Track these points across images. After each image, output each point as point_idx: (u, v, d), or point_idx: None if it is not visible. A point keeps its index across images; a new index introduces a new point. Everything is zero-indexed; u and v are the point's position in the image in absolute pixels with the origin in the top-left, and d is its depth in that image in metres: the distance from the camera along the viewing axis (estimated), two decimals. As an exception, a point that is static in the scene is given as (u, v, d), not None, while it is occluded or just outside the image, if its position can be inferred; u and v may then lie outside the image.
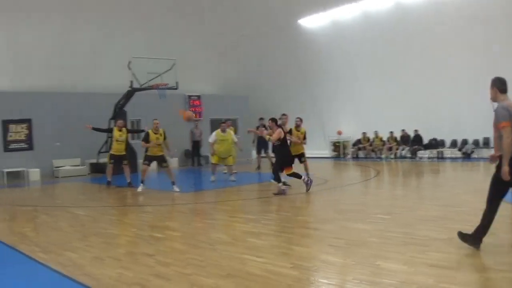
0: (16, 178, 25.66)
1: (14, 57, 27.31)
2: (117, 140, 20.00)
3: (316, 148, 33.47)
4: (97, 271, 7.50)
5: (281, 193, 15.26)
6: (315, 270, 7.29)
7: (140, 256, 8.37)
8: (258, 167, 24.71)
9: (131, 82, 24.71)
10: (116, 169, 20.73)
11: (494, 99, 7.64)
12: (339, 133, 33.03)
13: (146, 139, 18.38)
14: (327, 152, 34.17)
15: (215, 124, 30.38)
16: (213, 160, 20.37)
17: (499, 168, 7.40)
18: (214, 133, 20.35)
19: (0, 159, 26.09)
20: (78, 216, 13.36)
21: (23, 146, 26.59)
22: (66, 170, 27.07)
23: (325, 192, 16.12)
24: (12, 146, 26.51)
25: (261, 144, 24.41)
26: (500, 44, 24.44)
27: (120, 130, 20.02)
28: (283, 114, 18.30)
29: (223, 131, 19.71)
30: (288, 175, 16.03)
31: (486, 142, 26.78)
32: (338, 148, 33.70)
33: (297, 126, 18.63)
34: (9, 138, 26.52)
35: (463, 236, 8.01)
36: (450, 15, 26.16)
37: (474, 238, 7.82)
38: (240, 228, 10.54)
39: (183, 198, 16.02)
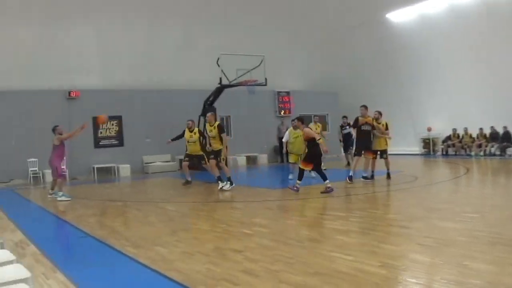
0: (106, 174, 26.17)
1: (104, 56, 27.83)
2: (188, 141, 20.26)
3: (406, 145, 33.13)
4: (186, 266, 7.58)
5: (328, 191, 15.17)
6: (403, 269, 7.18)
7: (228, 252, 8.40)
8: (348, 164, 24.48)
9: (220, 78, 24.82)
10: (197, 167, 20.97)
11: None
12: (429, 129, 32.50)
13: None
14: (417, 149, 33.70)
15: (306, 120, 30.36)
16: (290, 159, 20.23)
17: None
18: (287, 132, 20.13)
19: (90, 155, 26.68)
20: (167, 211, 13.54)
21: (114, 142, 27.17)
22: (156, 166, 27.50)
23: (414, 190, 15.87)
24: (103, 142, 27.10)
25: (348, 141, 24.16)
26: None
27: (191, 131, 20.17)
28: (315, 116, 18.53)
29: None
30: (302, 168, 15.96)
31: None
32: (428, 145, 33.17)
33: (376, 119, 18.35)
34: (99, 135, 27.09)
35: None
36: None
37: None
38: (329, 226, 10.51)
39: (271, 195, 16.03)
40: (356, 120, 18.54)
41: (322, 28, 33.70)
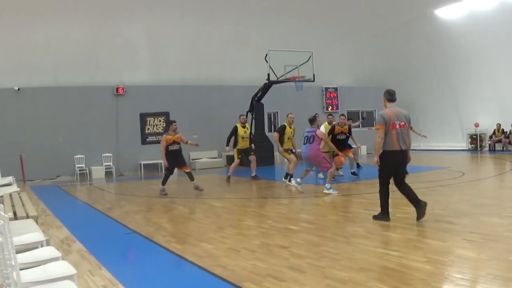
0: (152, 170, 26.36)
1: (152, 52, 28.06)
2: (242, 137, 20.28)
3: (454, 140, 32.86)
4: (232, 262, 7.62)
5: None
6: (449, 264, 7.14)
7: (274, 248, 8.45)
8: None
9: (268, 74, 24.87)
10: (244, 162, 21.05)
11: None
12: (476, 125, 32.12)
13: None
14: (464, 144, 33.30)
15: (351, 116, 30.24)
16: None
17: None
18: (322, 126, 19.90)
19: (137, 151, 26.88)
20: (214, 208, 13.59)
21: (160, 139, 27.37)
22: (203, 162, 27.62)
23: (461, 185, 15.79)
24: (150, 139, 27.25)
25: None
26: None
27: (244, 127, 20.28)
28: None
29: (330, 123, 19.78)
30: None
31: None
32: (475, 141, 32.80)
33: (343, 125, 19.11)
34: (146, 131, 27.28)
35: None
36: None
37: None
38: (375, 221, 10.45)
39: (318, 191, 15.95)
40: (333, 128, 18.87)
41: (369, 23, 33.51)
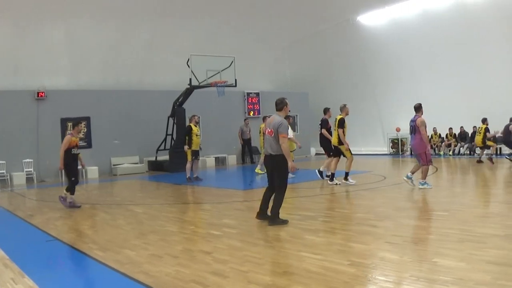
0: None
1: (72, 56, 27.55)
2: (196, 135, 20.47)
3: (375, 145, 33.41)
4: (155, 269, 7.56)
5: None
6: (372, 267, 7.24)
7: (197, 254, 8.42)
8: None
9: (190, 79, 24.80)
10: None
11: None
12: (397, 130, 32.68)
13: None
14: (386, 149, 33.89)
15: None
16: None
17: None
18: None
19: (58, 157, 26.44)
20: (136, 214, 13.47)
21: (82, 144, 26.92)
22: (124, 167, 27.31)
23: (383, 189, 16.04)
24: (71, 144, 26.80)
25: None
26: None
27: (196, 126, 20.54)
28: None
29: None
30: None
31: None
32: (397, 145, 33.40)
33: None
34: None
35: None
36: (509, 11, 25.79)
37: None
38: (298, 226, 10.48)
39: (240, 196, 16.01)
40: (327, 121, 18.67)
41: (292, 29, 33.82)
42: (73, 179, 15.16)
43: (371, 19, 32.44)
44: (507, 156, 24.22)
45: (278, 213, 10.72)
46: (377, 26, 32.25)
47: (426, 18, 29.25)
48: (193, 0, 29.00)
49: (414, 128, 15.40)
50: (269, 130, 10.80)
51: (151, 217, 12.81)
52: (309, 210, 12.74)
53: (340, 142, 17.23)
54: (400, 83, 31.80)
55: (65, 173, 16.73)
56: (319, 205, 13.39)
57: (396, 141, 33.45)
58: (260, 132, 22.17)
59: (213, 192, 17.85)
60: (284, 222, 10.65)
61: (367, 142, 34.12)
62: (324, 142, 18.70)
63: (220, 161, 31.11)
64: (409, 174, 15.98)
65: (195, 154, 20.72)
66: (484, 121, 24.20)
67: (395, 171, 23.69)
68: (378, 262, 7.45)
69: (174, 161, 25.65)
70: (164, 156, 26.98)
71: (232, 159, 31.60)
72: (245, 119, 30.36)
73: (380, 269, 7.10)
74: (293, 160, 19.68)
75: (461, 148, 29.52)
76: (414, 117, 15.54)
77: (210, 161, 30.26)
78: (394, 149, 33.61)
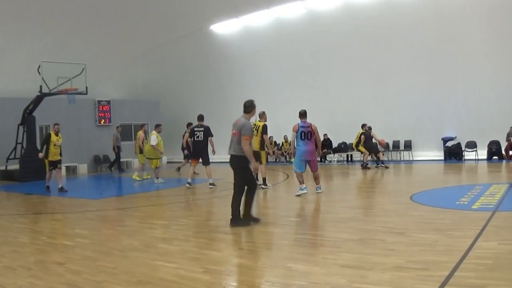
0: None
1: None
2: (54, 145, 19.72)
3: (226, 152, 33.89)
4: (8, 281, 7.41)
5: None
6: (227, 274, 7.37)
7: (50, 265, 8.28)
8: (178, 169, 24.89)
9: (41, 86, 24.38)
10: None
11: None
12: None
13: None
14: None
15: (125, 129, 30.43)
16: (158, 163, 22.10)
17: None
18: (154, 136, 21.31)
19: None
20: (-15, 225, 13.14)
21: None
22: (-27, 177, 26.48)
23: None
24: None
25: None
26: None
27: (57, 135, 19.85)
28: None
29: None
30: None
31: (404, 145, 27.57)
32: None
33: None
34: None
35: None
36: (357, 22, 27.00)
37: None
38: (151, 234, 10.52)
39: (92, 205, 15.91)
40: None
41: (143, 37, 33.82)
42: None
43: (224, 28, 33.01)
44: (378, 164, 24.88)
45: (238, 213, 10.86)
46: (230, 34, 32.87)
47: (278, 26, 30.24)
48: (46, 6, 28.52)
49: (310, 134, 15.48)
50: (234, 132, 11.07)
51: (2, 228, 12.48)
52: (162, 218, 12.85)
53: (262, 148, 17.65)
54: (253, 90, 32.13)
55: None
56: (172, 214, 13.54)
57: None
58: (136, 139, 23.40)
59: (65, 202, 17.51)
60: (246, 223, 10.75)
61: (218, 149, 34.67)
62: (206, 150, 19.17)
63: (71, 170, 30.67)
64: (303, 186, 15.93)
65: (53, 164, 19.96)
66: (363, 126, 25.00)
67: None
68: (232, 269, 7.62)
69: (24, 170, 25.10)
70: (14, 165, 26.32)
71: (83, 168, 31.23)
72: (117, 127, 29.95)
73: (235, 275, 7.29)
74: (158, 167, 20.05)
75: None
76: (304, 123, 15.62)
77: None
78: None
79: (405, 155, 28.40)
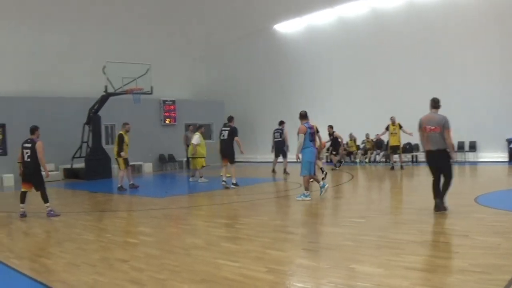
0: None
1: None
2: (127, 144, 20.18)
3: (291, 153, 33.72)
4: (72, 277, 7.45)
5: None
6: (290, 274, 7.29)
7: (114, 262, 8.32)
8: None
9: (106, 86, 24.61)
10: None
11: None
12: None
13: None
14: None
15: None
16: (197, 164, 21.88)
17: None
18: (197, 136, 21.58)
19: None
20: (52, 222, 13.28)
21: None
22: (40, 175, 26.83)
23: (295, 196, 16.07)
24: (-11, 151, 26.20)
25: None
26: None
27: (126, 134, 20.25)
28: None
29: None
30: None
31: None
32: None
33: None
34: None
35: None
36: (422, 22, 26.58)
37: None
38: (215, 233, 10.53)
39: (156, 203, 15.99)
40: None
41: (209, 37, 33.96)
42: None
43: (287, 27, 32.94)
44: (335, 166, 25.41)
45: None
46: (293, 34, 32.73)
47: (341, 25, 30.13)
48: (110, 7, 28.85)
49: (313, 135, 15.49)
50: (433, 128, 11.42)
51: (67, 225, 12.64)
52: (225, 217, 12.80)
53: None
54: (316, 90, 32.18)
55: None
56: (236, 213, 13.50)
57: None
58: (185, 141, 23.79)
59: (130, 200, 17.74)
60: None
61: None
62: (230, 149, 19.09)
63: (136, 169, 30.92)
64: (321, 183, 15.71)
65: (128, 162, 20.44)
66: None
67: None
68: (295, 269, 7.54)
69: (89, 169, 25.43)
70: (79, 164, 26.65)
71: (148, 167, 31.46)
72: (189, 125, 30.08)
73: (298, 275, 7.19)
74: (203, 166, 20.09)
75: (377, 156, 29.87)
76: (309, 124, 15.55)
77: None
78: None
79: (470, 156, 27.76)
